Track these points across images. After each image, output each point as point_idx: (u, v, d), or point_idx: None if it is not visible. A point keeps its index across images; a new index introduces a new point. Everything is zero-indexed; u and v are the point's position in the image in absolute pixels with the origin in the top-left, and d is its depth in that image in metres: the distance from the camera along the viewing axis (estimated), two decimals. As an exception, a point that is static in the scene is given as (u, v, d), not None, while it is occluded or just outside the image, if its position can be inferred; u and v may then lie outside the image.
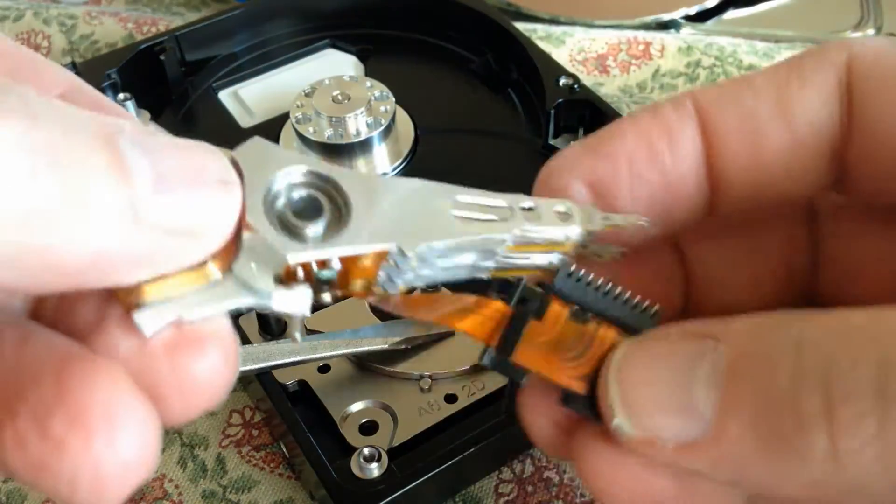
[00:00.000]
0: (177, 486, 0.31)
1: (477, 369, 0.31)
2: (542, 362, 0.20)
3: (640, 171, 0.22)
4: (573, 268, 0.20)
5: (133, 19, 0.50)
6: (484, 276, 0.21)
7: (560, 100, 0.40)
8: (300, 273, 0.17)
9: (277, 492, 0.31)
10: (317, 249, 0.17)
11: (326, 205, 0.18)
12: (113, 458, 0.15)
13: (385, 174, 0.39)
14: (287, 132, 0.41)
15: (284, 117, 0.41)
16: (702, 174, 0.22)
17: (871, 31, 0.50)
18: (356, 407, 0.31)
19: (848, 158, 0.21)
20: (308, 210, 0.18)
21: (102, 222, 0.14)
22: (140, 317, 0.16)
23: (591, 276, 0.20)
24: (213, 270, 0.16)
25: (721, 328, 0.19)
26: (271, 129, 0.41)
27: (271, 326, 0.33)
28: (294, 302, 0.17)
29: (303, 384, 0.31)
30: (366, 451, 0.29)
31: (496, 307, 0.20)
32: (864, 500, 0.17)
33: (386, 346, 0.31)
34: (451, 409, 0.31)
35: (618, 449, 0.19)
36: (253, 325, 0.33)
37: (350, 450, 0.29)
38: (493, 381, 0.31)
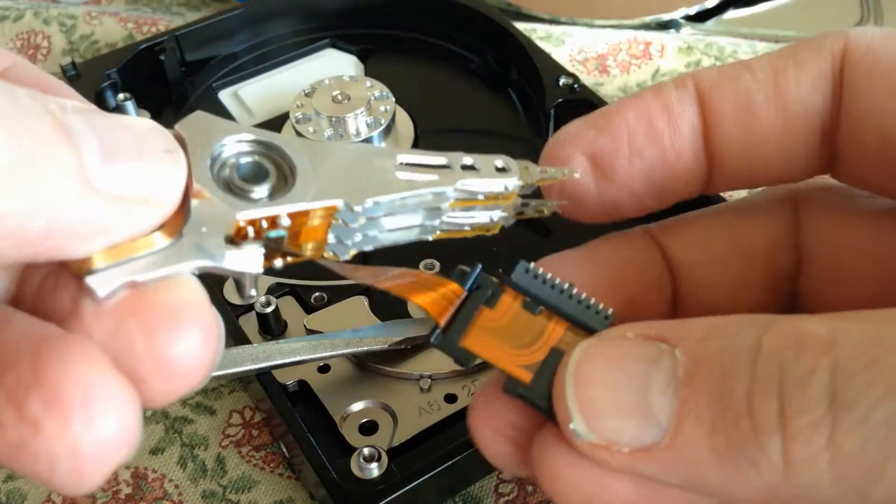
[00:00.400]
0: (177, 486, 0.31)
1: (477, 369, 0.31)
2: (489, 348, 0.21)
3: (639, 147, 0.23)
4: (531, 265, 0.21)
5: (133, 19, 0.50)
6: (430, 237, 0.22)
7: (560, 99, 0.40)
8: (250, 232, 0.18)
9: (277, 492, 0.31)
10: (264, 208, 0.18)
11: (272, 169, 0.19)
12: (91, 438, 0.15)
13: None
14: (287, 132, 0.41)
15: (284, 117, 0.41)
16: (699, 152, 0.23)
17: (871, 31, 0.50)
18: (356, 407, 0.31)
19: (837, 142, 0.22)
20: (254, 174, 0.19)
21: (54, 188, 0.15)
22: (92, 280, 0.16)
23: (549, 275, 0.21)
24: (159, 237, 0.17)
25: (678, 332, 0.19)
26: (271, 128, 0.41)
27: (271, 326, 0.33)
28: (245, 261, 0.18)
29: (303, 384, 0.31)
30: (366, 451, 0.29)
31: (452, 288, 0.21)
32: None
33: (386, 346, 0.31)
34: (451, 408, 0.31)
35: (576, 452, 0.19)
36: (253, 325, 0.33)
37: (350, 450, 0.29)
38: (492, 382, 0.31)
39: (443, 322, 0.21)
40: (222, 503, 0.31)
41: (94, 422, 0.15)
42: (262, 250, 0.18)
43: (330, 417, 0.30)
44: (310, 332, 0.33)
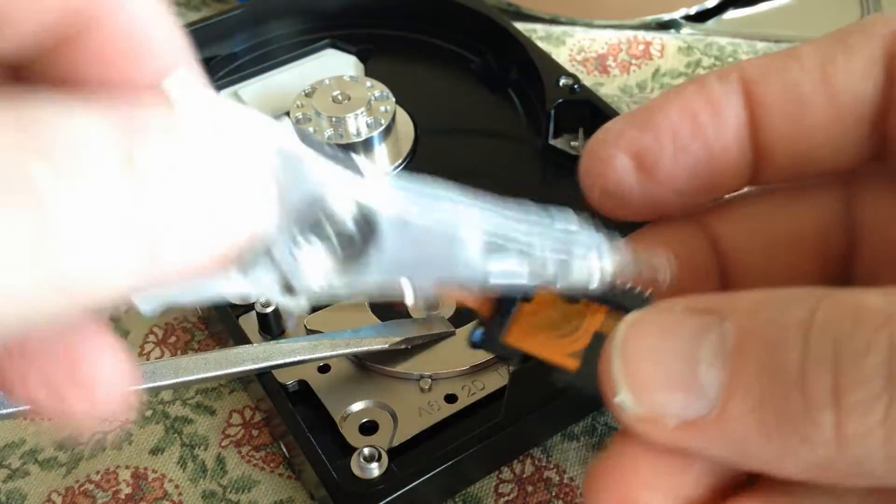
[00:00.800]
0: (177, 486, 0.31)
1: (477, 369, 0.31)
2: (533, 342, 0.20)
3: (684, 143, 0.22)
4: None
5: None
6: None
7: (560, 100, 0.40)
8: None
9: (277, 492, 0.31)
10: (328, 286, 0.17)
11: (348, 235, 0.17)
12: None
13: (387, 174, 0.40)
14: None
15: (284, 117, 0.41)
16: (745, 145, 0.22)
17: (871, 32, 0.50)
18: (356, 407, 0.31)
19: (888, 130, 0.21)
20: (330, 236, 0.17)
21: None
22: (139, 299, 0.16)
23: None
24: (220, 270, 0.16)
25: (728, 304, 0.18)
26: None
27: (271, 327, 0.33)
28: (295, 305, 0.17)
29: (303, 384, 0.31)
30: (366, 450, 0.29)
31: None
32: (864, 481, 0.17)
33: (386, 346, 0.31)
34: (451, 409, 0.31)
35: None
36: (253, 325, 0.33)
37: (350, 450, 0.29)
38: (493, 382, 0.31)
39: (486, 321, 0.20)
40: (222, 503, 0.31)
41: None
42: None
43: (330, 417, 0.30)
44: (310, 331, 0.33)
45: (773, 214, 0.24)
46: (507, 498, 0.31)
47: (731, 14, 0.53)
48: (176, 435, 0.33)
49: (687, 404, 0.18)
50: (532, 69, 0.42)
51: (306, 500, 0.31)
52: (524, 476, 0.31)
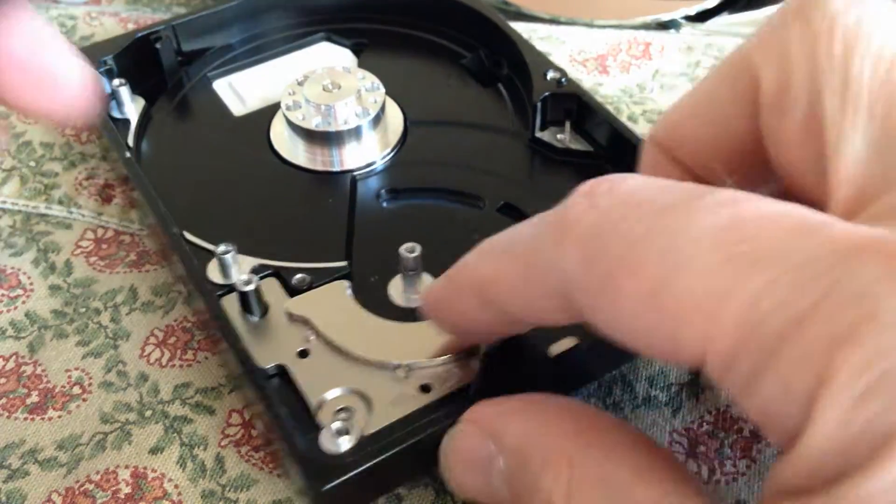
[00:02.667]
0: (176, 486, 0.31)
1: (453, 360, 0.31)
2: None
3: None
4: None
5: (133, 19, 0.51)
6: None
7: (547, 93, 0.40)
8: None
9: (276, 491, 0.31)
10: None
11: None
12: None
13: (373, 163, 0.40)
14: (278, 120, 0.42)
15: (276, 107, 0.42)
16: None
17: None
18: (332, 394, 0.31)
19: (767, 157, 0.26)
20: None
21: None
22: None
23: None
24: None
25: (501, 432, 0.25)
26: (263, 118, 0.42)
27: (252, 306, 0.33)
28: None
29: (280, 369, 0.31)
30: (334, 425, 0.29)
31: None
32: None
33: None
34: (426, 399, 0.30)
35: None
36: (235, 305, 0.33)
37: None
38: (466, 374, 0.31)
39: None
40: (221, 502, 0.31)
41: None
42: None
43: (305, 403, 0.31)
44: (291, 316, 0.33)
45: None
46: (506, 497, 0.31)
47: (732, 14, 0.53)
48: (175, 435, 0.33)
49: (493, 500, 0.26)
50: (521, 64, 0.42)
51: (305, 500, 0.31)
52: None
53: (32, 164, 0.43)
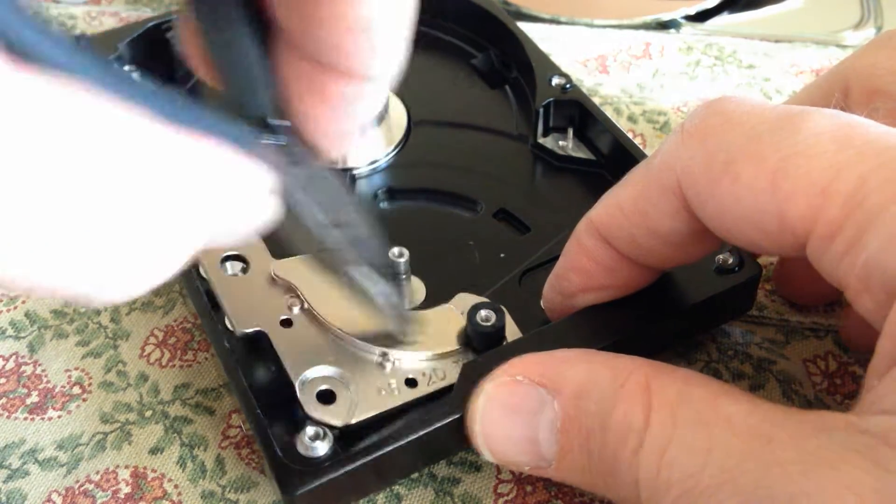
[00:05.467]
0: (176, 486, 0.31)
1: (440, 357, 0.31)
2: None
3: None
4: None
5: (133, 19, 0.50)
6: None
7: (550, 99, 0.40)
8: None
9: (276, 492, 0.31)
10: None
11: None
12: None
13: (375, 161, 0.40)
14: None
15: None
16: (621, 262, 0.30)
17: (871, 31, 0.50)
18: (316, 372, 0.30)
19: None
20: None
21: None
22: None
23: None
24: None
25: (555, 381, 0.25)
26: None
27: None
28: None
29: (261, 334, 0.30)
30: (310, 430, 0.28)
31: None
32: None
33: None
34: (411, 394, 0.30)
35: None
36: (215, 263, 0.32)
37: (304, 419, 0.29)
38: (453, 373, 0.30)
39: None
40: (221, 502, 0.31)
41: None
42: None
43: (288, 378, 0.30)
44: (277, 280, 0.32)
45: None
46: (506, 498, 0.31)
47: (732, 14, 0.52)
48: (175, 435, 0.33)
49: (531, 461, 0.26)
50: (528, 67, 0.42)
51: (305, 500, 0.31)
52: (523, 476, 0.32)
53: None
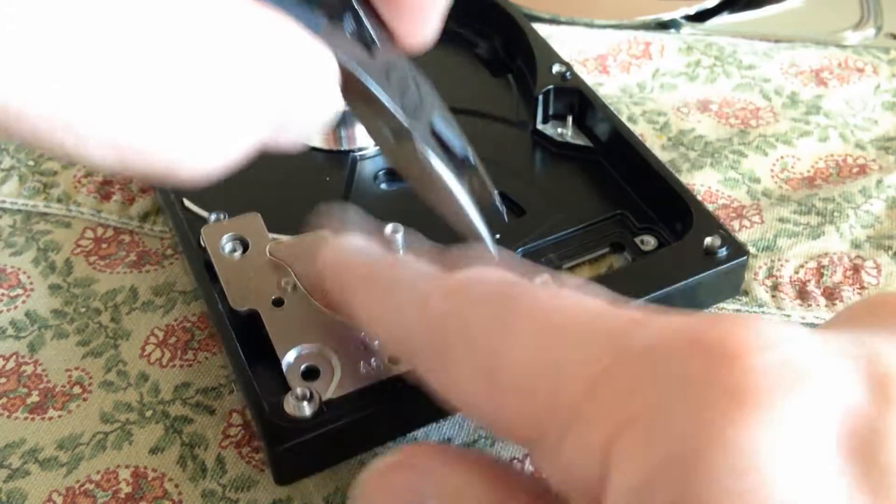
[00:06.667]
0: (177, 486, 0.31)
1: None
2: None
3: None
4: None
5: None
6: None
7: (550, 86, 0.40)
8: None
9: (277, 491, 0.31)
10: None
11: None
12: None
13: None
14: None
15: None
16: None
17: (871, 31, 0.50)
18: (302, 350, 0.31)
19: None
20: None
21: None
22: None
23: None
24: None
25: (440, 476, 0.22)
26: None
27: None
28: None
29: (253, 313, 0.32)
30: (299, 391, 0.29)
31: None
32: None
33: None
34: (394, 370, 0.31)
35: None
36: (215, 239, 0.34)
37: (287, 389, 0.30)
38: None
39: None
40: (222, 502, 0.31)
41: None
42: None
43: (275, 354, 0.31)
44: (272, 258, 0.33)
45: None
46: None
47: (732, 14, 0.53)
48: (176, 435, 0.33)
49: None
50: (530, 56, 0.43)
51: (305, 500, 0.31)
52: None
53: (31, 163, 0.43)
